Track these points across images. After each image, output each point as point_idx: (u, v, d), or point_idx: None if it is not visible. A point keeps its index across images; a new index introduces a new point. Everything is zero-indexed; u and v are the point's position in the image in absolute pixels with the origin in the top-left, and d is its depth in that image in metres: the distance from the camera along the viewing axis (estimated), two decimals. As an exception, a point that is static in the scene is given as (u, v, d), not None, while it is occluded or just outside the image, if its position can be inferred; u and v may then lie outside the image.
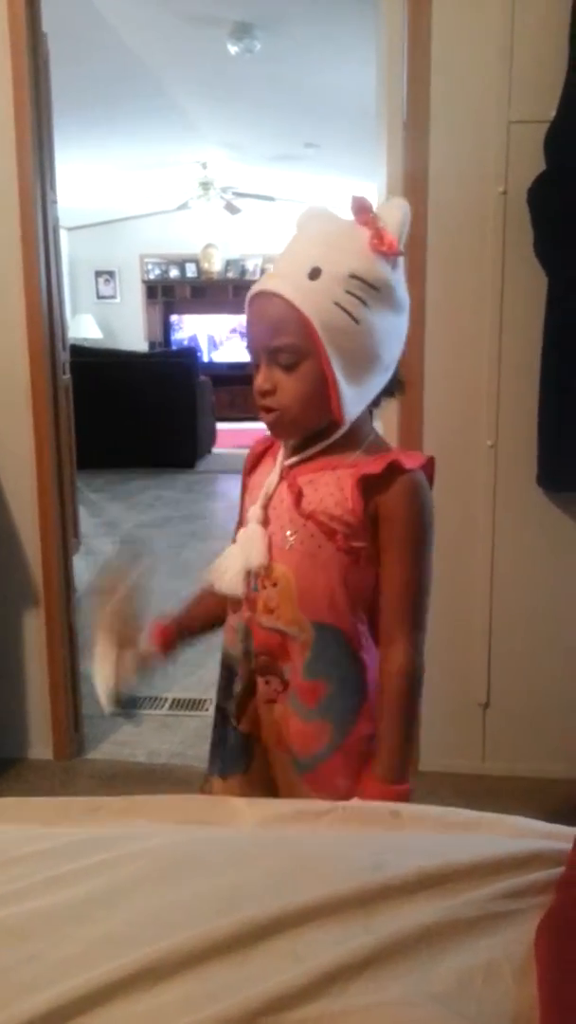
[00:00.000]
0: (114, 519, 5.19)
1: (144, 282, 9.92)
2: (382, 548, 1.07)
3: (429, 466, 1.11)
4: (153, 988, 0.71)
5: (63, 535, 2.29)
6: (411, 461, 1.07)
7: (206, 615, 1.23)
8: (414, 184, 2.01)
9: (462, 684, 2.22)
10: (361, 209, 1.04)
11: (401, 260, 1.06)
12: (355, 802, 1.06)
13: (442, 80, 1.97)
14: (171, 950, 0.74)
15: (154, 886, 0.85)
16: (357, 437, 1.11)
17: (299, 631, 1.09)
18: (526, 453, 2.07)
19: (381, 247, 1.02)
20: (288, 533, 1.08)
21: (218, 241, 9.59)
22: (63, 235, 2.15)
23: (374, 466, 1.05)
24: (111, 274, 9.98)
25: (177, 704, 2.67)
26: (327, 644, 1.09)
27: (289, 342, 1.02)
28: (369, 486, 1.05)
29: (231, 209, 7.93)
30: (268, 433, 1.16)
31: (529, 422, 2.04)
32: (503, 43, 1.93)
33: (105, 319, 9.75)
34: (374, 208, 1.04)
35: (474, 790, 2.13)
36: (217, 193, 7.82)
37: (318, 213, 1.11)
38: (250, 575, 1.10)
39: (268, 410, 1.07)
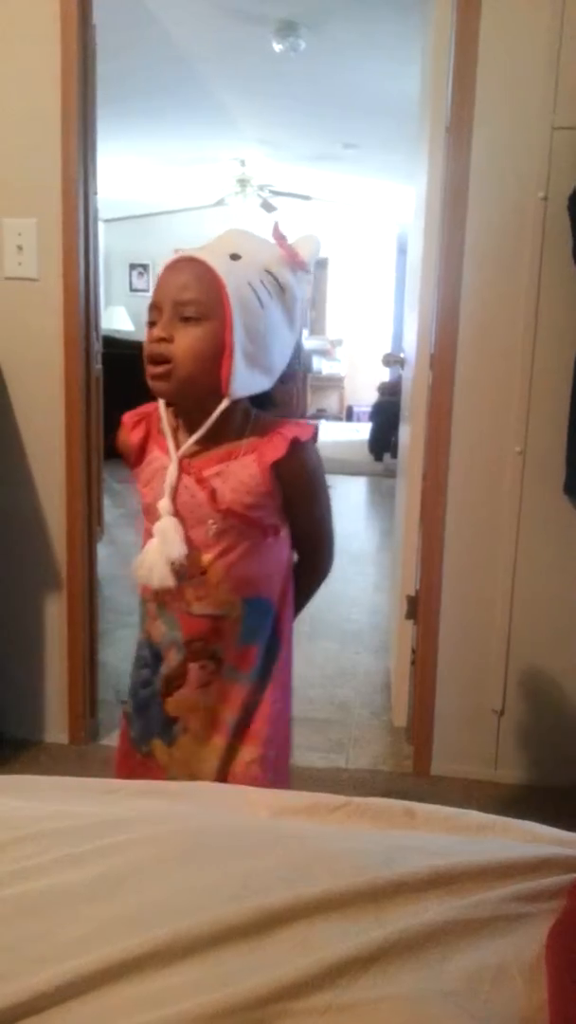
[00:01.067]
0: (137, 510, 5.19)
1: (177, 276, 9.96)
2: (290, 503, 1.20)
3: (315, 431, 1.20)
4: (163, 970, 0.72)
5: (88, 523, 2.31)
6: (304, 433, 1.16)
7: None
8: (454, 187, 2.00)
9: (477, 690, 2.21)
10: (279, 236, 1.17)
11: (304, 285, 1.18)
12: (368, 800, 1.06)
13: (487, 84, 1.97)
14: (182, 933, 0.74)
15: (167, 870, 0.86)
16: (242, 421, 1.18)
17: (230, 610, 1.18)
18: (555, 460, 2.06)
19: (292, 258, 1.15)
20: (210, 522, 1.15)
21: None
22: (100, 227, 2.18)
23: (278, 449, 1.14)
24: (145, 267, 10.04)
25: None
26: (256, 613, 1.20)
27: (199, 298, 1.08)
28: (278, 469, 1.15)
29: (267, 207, 7.94)
30: (147, 404, 1.21)
31: (559, 429, 2.03)
32: (551, 48, 1.92)
33: (137, 312, 9.80)
34: (289, 240, 1.18)
35: (485, 796, 2.13)
36: (254, 191, 7.83)
37: (241, 230, 1.22)
38: (174, 566, 1.14)
39: (160, 361, 1.10)
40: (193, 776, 1.23)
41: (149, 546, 1.15)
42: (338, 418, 10.51)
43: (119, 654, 2.75)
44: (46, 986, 0.70)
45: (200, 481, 1.15)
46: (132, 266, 9.99)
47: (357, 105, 5.22)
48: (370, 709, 2.64)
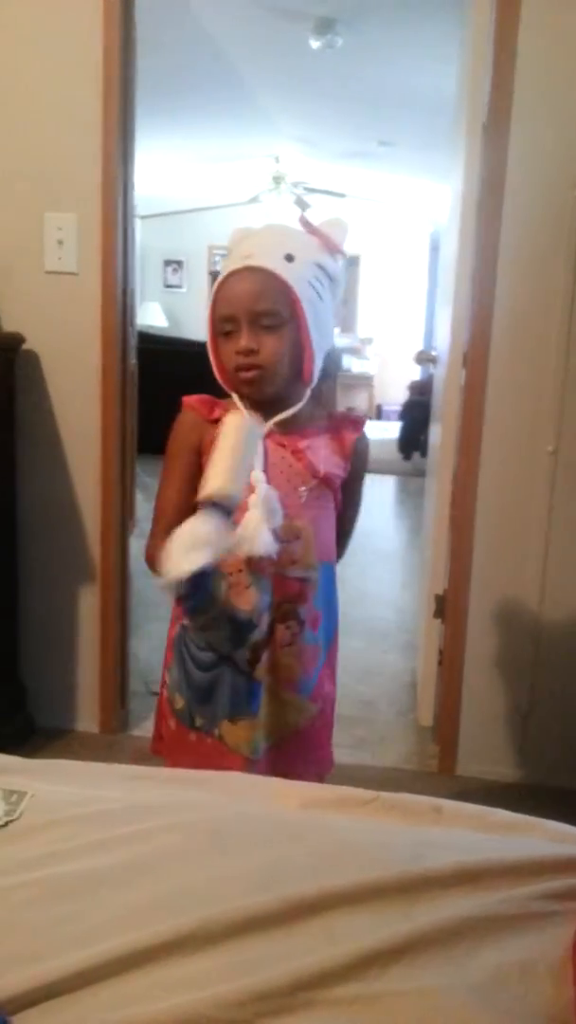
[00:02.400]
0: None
1: (211, 273, 9.99)
2: (349, 479, 1.34)
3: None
4: (190, 956, 0.73)
5: (121, 516, 2.33)
6: (364, 422, 1.37)
7: None
8: (491, 184, 2.00)
9: (505, 690, 2.20)
10: (308, 224, 1.25)
11: (344, 265, 1.28)
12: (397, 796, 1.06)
13: (525, 81, 1.96)
14: (211, 920, 0.76)
15: (195, 858, 0.87)
16: (318, 404, 1.30)
17: (313, 572, 1.29)
18: (587, 462, 2.05)
19: (329, 245, 1.24)
20: (302, 489, 1.25)
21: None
22: (136, 223, 2.20)
23: (356, 429, 1.34)
24: (179, 264, 10.07)
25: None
26: (327, 577, 1.32)
27: (274, 307, 1.18)
28: (353, 448, 1.32)
29: (301, 204, 7.94)
30: (238, 393, 1.25)
31: (593, 431, 2.02)
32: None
33: (171, 307, 9.85)
34: (316, 224, 1.26)
35: (510, 797, 2.12)
36: (288, 188, 7.83)
37: (259, 227, 1.31)
38: (276, 532, 1.21)
39: (251, 368, 1.20)
40: (271, 738, 1.29)
41: (249, 517, 1.19)
42: (367, 417, 10.48)
43: (149, 646, 2.78)
44: (75, 968, 0.72)
45: (294, 452, 1.26)
46: (167, 262, 10.03)
47: (393, 102, 5.20)
48: (396, 708, 2.64)
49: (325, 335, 1.25)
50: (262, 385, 1.22)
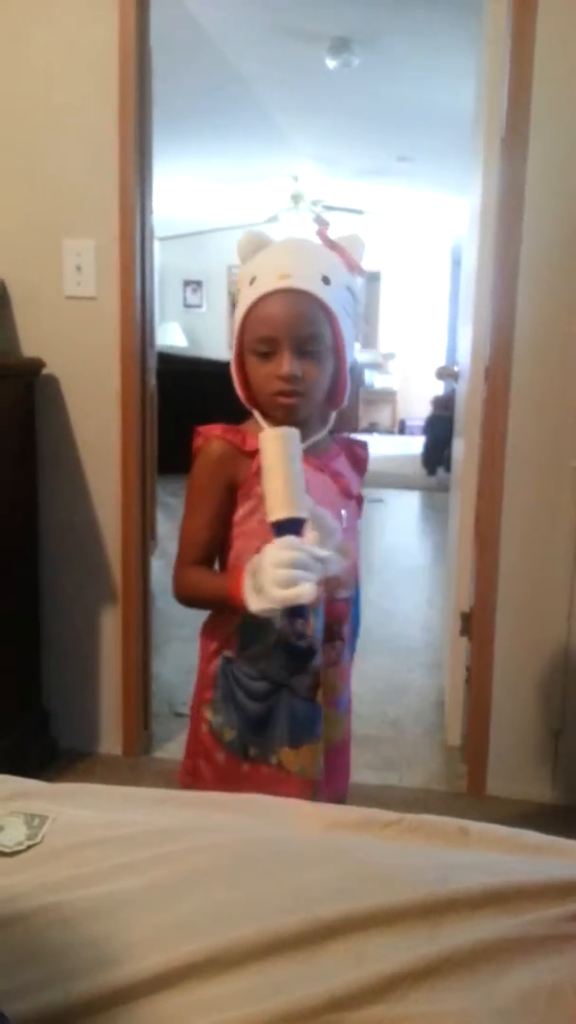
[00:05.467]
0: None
1: (230, 292, 10.08)
2: None
3: None
4: (217, 977, 0.73)
5: (142, 536, 2.34)
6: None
7: None
8: (510, 198, 1.99)
9: (536, 710, 2.17)
10: (328, 240, 1.23)
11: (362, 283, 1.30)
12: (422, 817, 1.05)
13: (543, 94, 1.96)
14: (237, 942, 0.75)
15: (221, 880, 0.87)
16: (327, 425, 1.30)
17: (354, 592, 1.30)
18: (612, 475, 2.03)
19: (352, 266, 1.22)
20: (343, 512, 1.24)
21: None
22: (155, 245, 2.22)
23: (362, 450, 1.36)
24: (198, 284, 10.17)
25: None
26: (358, 595, 1.33)
27: (319, 331, 1.17)
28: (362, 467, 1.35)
29: (320, 222, 7.98)
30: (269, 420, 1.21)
31: (616, 444, 2.00)
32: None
33: (191, 327, 9.93)
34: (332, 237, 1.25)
35: (542, 818, 2.09)
36: (307, 206, 7.89)
37: (266, 237, 1.28)
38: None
39: (294, 395, 1.18)
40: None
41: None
42: (390, 432, 10.48)
43: (171, 666, 2.78)
44: (103, 989, 0.71)
45: (332, 475, 1.26)
46: (186, 282, 10.13)
47: (411, 119, 5.23)
48: (423, 727, 2.61)
49: (351, 355, 1.26)
50: (301, 412, 1.20)
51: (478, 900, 0.81)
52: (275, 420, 1.19)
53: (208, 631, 1.29)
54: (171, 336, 9.49)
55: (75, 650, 2.35)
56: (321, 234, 1.24)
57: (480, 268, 2.19)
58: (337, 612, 1.27)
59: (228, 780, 1.26)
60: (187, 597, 1.24)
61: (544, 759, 2.19)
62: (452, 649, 2.45)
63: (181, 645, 3.01)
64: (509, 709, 2.19)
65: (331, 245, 1.22)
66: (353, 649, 1.37)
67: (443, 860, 0.91)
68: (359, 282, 1.26)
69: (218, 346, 9.92)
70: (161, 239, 9.26)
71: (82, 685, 2.36)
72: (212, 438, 1.22)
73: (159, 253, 9.25)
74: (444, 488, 4.82)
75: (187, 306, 10.15)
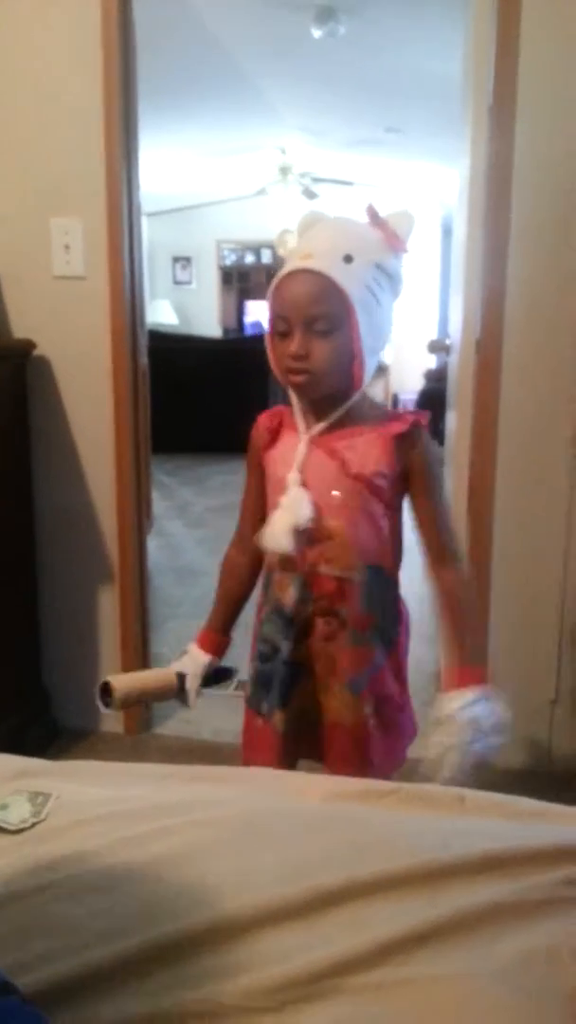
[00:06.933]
0: (185, 502, 5.26)
1: (220, 268, 10.00)
2: (416, 495, 1.30)
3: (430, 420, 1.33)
4: (220, 947, 0.74)
5: (138, 516, 2.35)
6: (424, 417, 1.30)
7: (237, 602, 1.45)
8: (499, 167, 1.98)
9: (531, 680, 2.19)
10: (374, 216, 1.24)
11: (403, 257, 1.26)
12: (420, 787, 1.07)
13: (530, 63, 1.94)
14: (239, 911, 0.77)
15: (223, 852, 0.88)
16: (369, 404, 1.32)
17: (355, 574, 1.28)
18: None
19: (393, 242, 1.23)
20: (334, 492, 1.25)
21: (295, 227, 9.56)
22: (143, 221, 2.20)
23: (402, 425, 1.26)
24: (188, 260, 10.07)
25: (242, 685, 2.71)
26: (377, 582, 1.30)
27: (328, 311, 1.17)
28: (400, 444, 1.26)
29: (309, 195, 7.91)
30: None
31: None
32: (594, 25, 1.89)
33: (181, 304, 9.85)
34: (382, 215, 1.25)
35: (540, 787, 2.10)
36: (295, 179, 7.81)
37: (321, 215, 1.31)
38: (297, 532, 1.24)
39: (301, 372, 1.21)
40: (310, 720, 1.34)
41: (275, 515, 1.26)
42: (422, 414, 10.42)
43: (171, 645, 2.79)
44: (105, 961, 0.73)
45: (330, 453, 1.26)
46: (175, 259, 10.02)
47: (399, 89, 5.16)
48: (420, 699, 2.61)
49: (380, 337, 1.25)
50: (309, 389, 1.24)
51: (477, 865, 0.83)
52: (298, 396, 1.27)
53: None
54: (162, 314, 9.41)
55: (74, 630, 2.36)
56: (369, 211, 1.25)
57: (470, 238, 2.18)
58: (324, 588, 1.28)
59: (247, 731, 1.42)
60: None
61: (541, 729, 2.21)
62: (448, 621, 2.46)
63: (179, 623, 3.03)
64: (504, 681, 2.18)
65: (375, 222, 1.24)
66: (389, 638, 1.34)
67: (442, 827, 0.93)
68: (401, 259, 1.25)
69: (209, 323, 9.85)
70: (149, 215, 9.15)
71: (82, 665, 2.37)
72: (257, 422, 1.36)
73: (147, 229, 9.15)
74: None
75: (177, 283, 10.06)
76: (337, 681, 1.32)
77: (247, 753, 1.40)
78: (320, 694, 1.33)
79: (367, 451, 1.26)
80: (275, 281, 1.22)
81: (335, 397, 1.26)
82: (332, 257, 1.18)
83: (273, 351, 1.25)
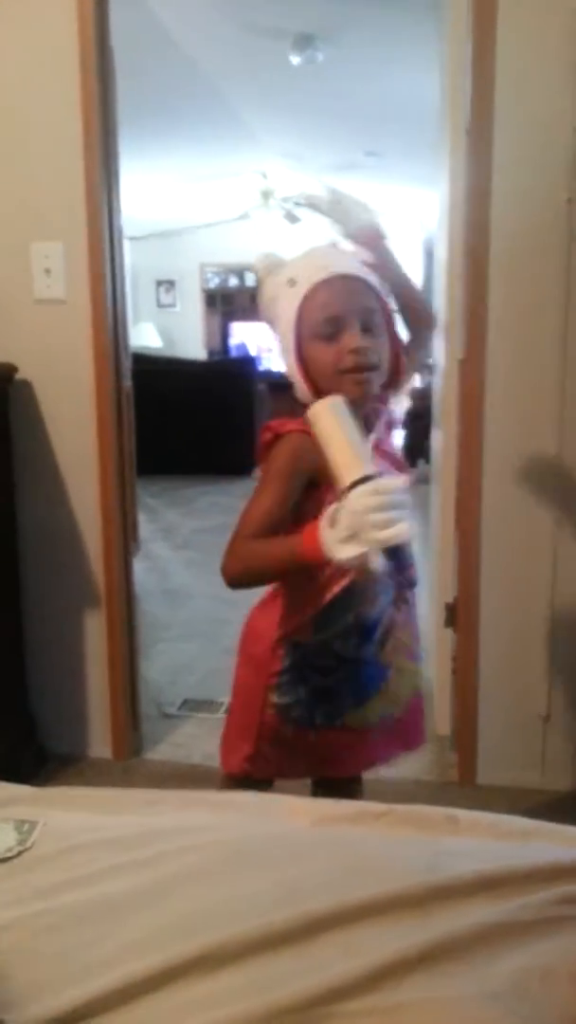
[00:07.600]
0: (171, 524, 5.25)
1: (204, 291, 10.05)
2: None
3: None
4: (211, 974, 0.73)
5: (124, 538, 2.33)
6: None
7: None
8: (477, 191, 2.00)
9: (522, 696, 2.19)
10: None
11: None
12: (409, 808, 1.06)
13: (506, 86, 1.96)
14: (230, 939, 0.75)
15: (212, 878, 0.87)
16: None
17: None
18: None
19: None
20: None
21: (278, 250, 9.62)
22: (126, 245, 2.22)
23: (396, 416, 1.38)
24: (171, 283, 10.12)
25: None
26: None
27: (376, 307, 1.23)
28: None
29: (291, 218, 7.98)
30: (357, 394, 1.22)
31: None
32: (570, 49, 1.91)
33: (165, 327, 9.88)
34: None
35: (532, 805, 2.10)
36: (277, 203, 7.88)
37: (280, 259, 1.38)
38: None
39: (366, 368, 1.21)
40: (396, 708, 1.38)
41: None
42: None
43: (159, 668, 2.77)
44: (97, 992, 0.72)
45: (383, 455, 1.29)
46: (159, 282, 10.07)
47: (377, 113, 5.24)
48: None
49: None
50: (372, 385, 1.23)
51: (469, 887, 0.82)
52: (349, 401, 1.16)
53: (266, 625, 1.33)
54: (146, 337, 9.44)
55: (61, 655, 2.34)
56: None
57: (450, 260, 2.20)
58: (408, 577, 1.32)
59: (297, 750, 1.35)
60: (243, 568, 1.19)
61: (533, 745, 2.21)
62: (437, 640, 2.46)
63: (167, 646, 3.01)
64: (496, 698, 2.20)
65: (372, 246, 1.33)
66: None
67: (433, 848, 0.92)
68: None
69: (194, 345, 9.88)
70: (132, 239, 9.21)
71: (69, 689, 2.35)
72: (292, 430, 1.24)
73: (130, 253, 9.20)
74: (425, 480, 4.83)
75: (161, 306, 10.11)
76: (409, 658, 1.37)
77: (265, 768, 1.37)
78: (395, 679, 1.35)
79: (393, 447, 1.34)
80: (302, 295, 1.21)
81: (372, 405, 1.28)
82: (356, 266, 1.25)
83: (321, 359, 1.21)
